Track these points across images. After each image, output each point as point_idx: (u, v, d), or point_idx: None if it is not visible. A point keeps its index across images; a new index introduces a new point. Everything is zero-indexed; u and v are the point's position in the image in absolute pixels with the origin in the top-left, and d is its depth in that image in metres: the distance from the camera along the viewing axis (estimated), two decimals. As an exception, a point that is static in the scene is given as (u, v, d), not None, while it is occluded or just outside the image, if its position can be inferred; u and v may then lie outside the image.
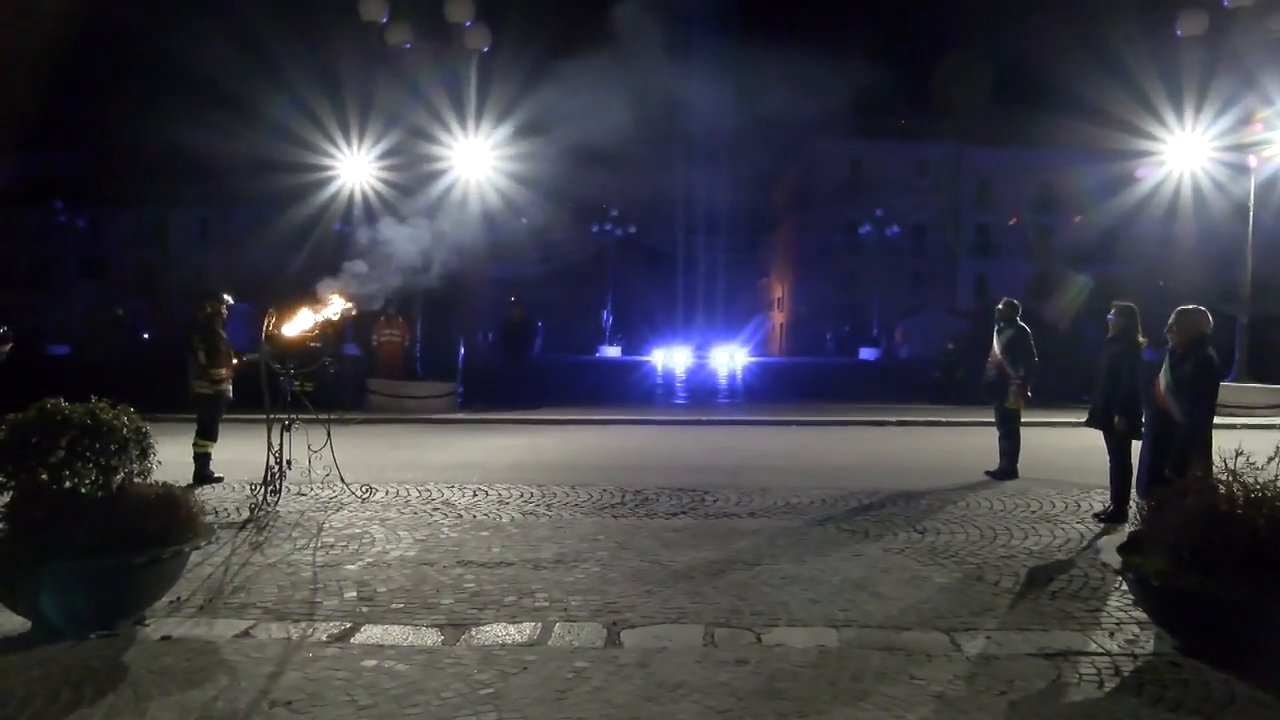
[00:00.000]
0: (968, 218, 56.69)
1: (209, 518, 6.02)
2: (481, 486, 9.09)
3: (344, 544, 6.74)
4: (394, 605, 5.31)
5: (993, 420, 10.02)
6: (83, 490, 4.73)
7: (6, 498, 4.78)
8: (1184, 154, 19.50)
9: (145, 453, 5.07)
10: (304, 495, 8.39)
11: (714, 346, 41.11)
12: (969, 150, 54.74)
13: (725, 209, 57.70)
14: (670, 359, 34.98)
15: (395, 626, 4.95)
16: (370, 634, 4.84)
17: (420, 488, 8.99)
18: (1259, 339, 18.78)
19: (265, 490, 7.85)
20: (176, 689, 4.09)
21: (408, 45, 18.09)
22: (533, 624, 4.99)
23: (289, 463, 8.00)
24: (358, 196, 18.94)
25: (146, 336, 40.91)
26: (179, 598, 5.30)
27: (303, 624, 4.97)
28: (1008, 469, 9.66)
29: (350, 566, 6.13)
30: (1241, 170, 18.77)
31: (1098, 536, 6.97)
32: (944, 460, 11.09)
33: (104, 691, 4.05)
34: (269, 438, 7.91)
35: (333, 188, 19.37)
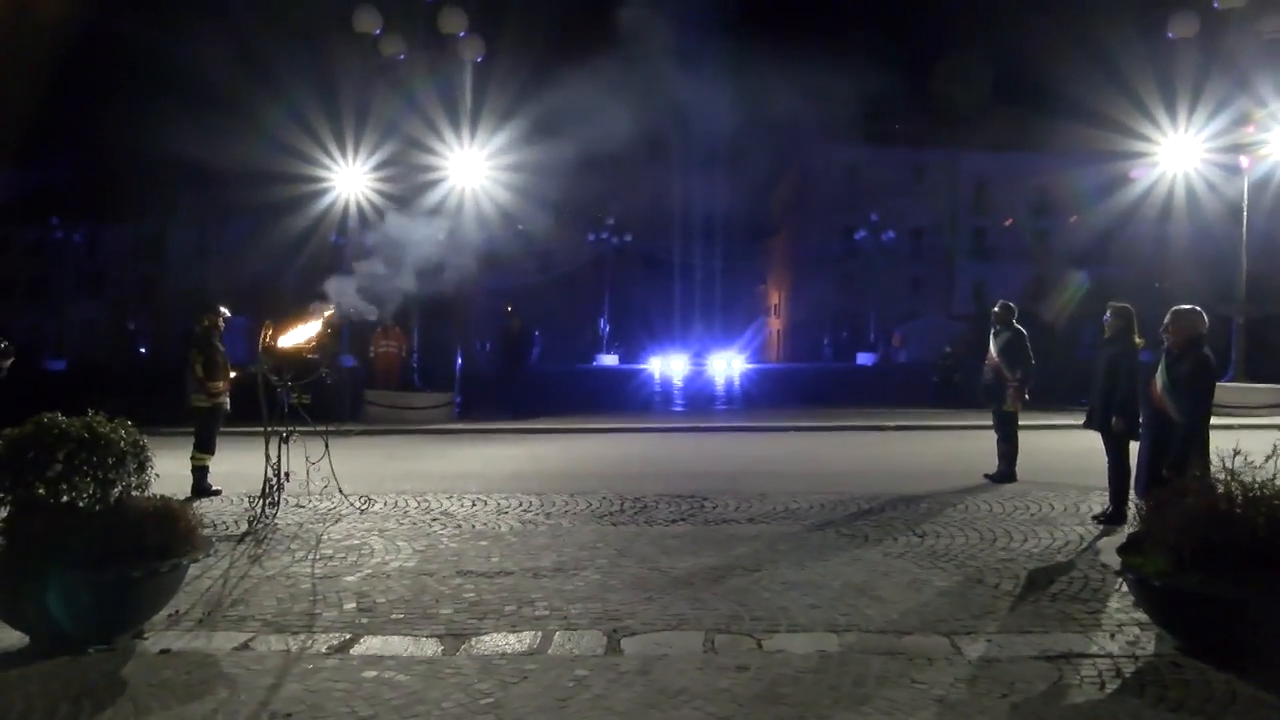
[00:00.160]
0: (964, 222, 56.74)
1: (207, 530, 6.03)
2: (480, 496, 9.08)
3: (343, 555, 6.73)
4: (394, 616, 5.30)
5: (991, 423, 10.03)
6: (80, 504, 4.72)
7: (4, 512, 4.77)
8: (1178, 155, 19.60)
9: (143, 466, 5.07)
10: (302, 507, 8.38)
11: (712, 353, 41.10)
12: (965, 154, 54.81)
13: (722, 216, 57.71)
14: (668, 366, 34.93)
15: (395, 637, 4.94)
16: (370, 645, 4.83)
17: (419, 498, 8.98)
18: (1256, 339, 18.83)
19: (264, 502, 7.83)
20: (176, 702, 4.08)
21: (402, 56, 18.16)
22: (533, 633, 4.98)
23: (287, 475, 7.98)
24: (353, 207, 18.98)
25: (144, 350, 40.91)
26: (178, 611, 5.28)
27: (302, 636, 4.96)
28: (1006, 472, 9.65)
29: (349, 578, 6.12)
30: (1234, 171, 18.85)
31: (1097, 538, 6.97)
32: (943, 464, 11.09)
33: (103, 705, 4.03)
34: (267, 450, 7.90)
35: (329, 199, 19.42)
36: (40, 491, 4.64)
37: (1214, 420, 6.81)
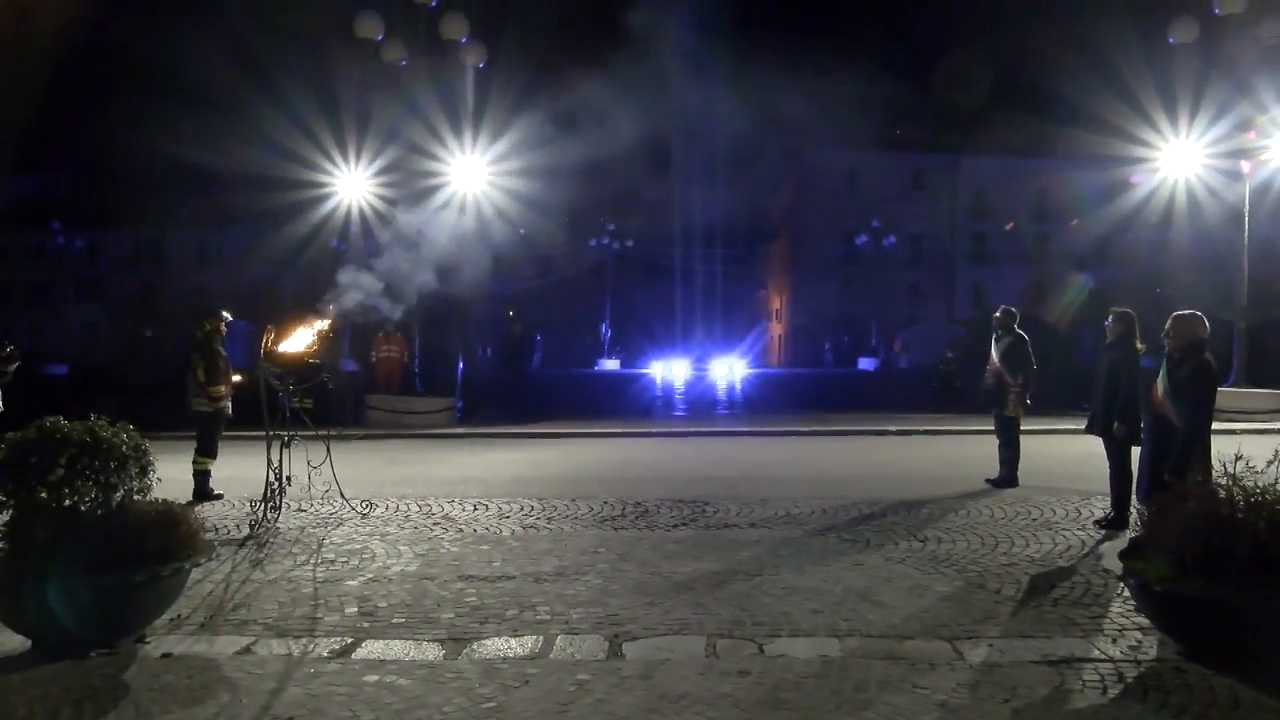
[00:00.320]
0: (965, 227, 56.78)
1: (209, 535, 6.03)
2: (481, 500, 9.08)
3: (344, 559, 6.73)
4: (395, 620, 5.30)
5: (992, 428, 10.03)
6: (82, 508, 4.73)
7: (6, 516, 4.78)
8: (1178, 161, 19.62)
9: (145, 470, 5.07)
10: (304, 511, 8.38)
11: (713, 358, 41.09)
12: (966, 159, 54.87)
13: (722, 221, 57.70)
14: (669, 371, 34.94)
15: (397, 641, 4.94)
16: (372, 649, 4.83)
17: (420, 502, 8.98)
18: (1257, 344, 18.83)
19: (265, 507, 7.83)
20: (178, 706, 4.08)
21: (403, 62, 18.18)
22: (534, 637, 4.97)
23: (289, 479, 7.98)
24: (355, 213, 19.00)
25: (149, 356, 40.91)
26: (179, 615, 5.28)
27: (304, 640, 4.96)
28: (1008, 477, 9.65)
29: (351, 582, 6.12)
30: (1235, 177, 18.87)
31: (1099, 543, 6.97)
32: (944, 469, 11.09)
33: (105, 710, 4.03)
34: (268, 454, 7.90)
35: (330, 204, 19.44)
36: (42, 495, 4.65)
37: (1215, 425, 6.82)
